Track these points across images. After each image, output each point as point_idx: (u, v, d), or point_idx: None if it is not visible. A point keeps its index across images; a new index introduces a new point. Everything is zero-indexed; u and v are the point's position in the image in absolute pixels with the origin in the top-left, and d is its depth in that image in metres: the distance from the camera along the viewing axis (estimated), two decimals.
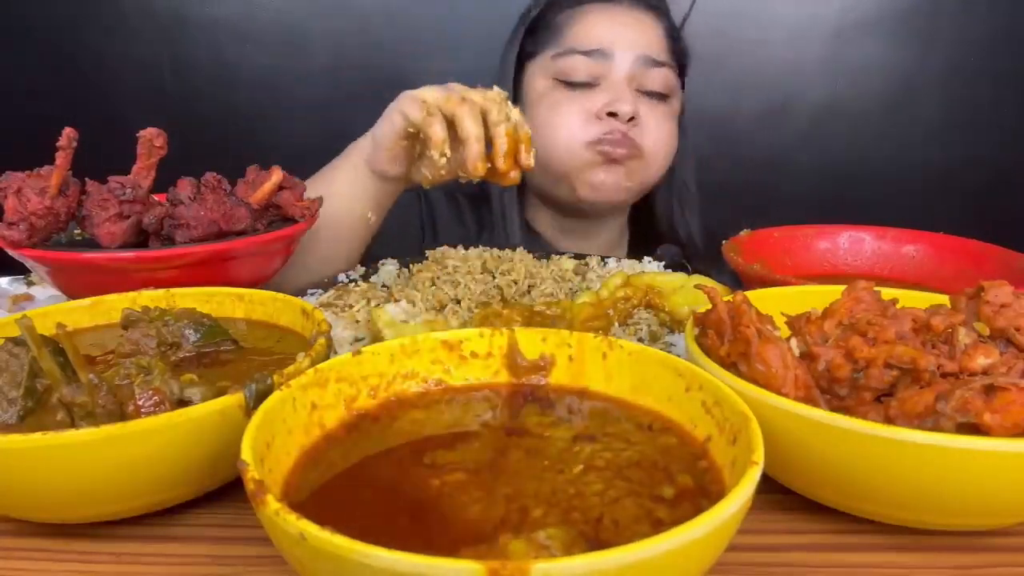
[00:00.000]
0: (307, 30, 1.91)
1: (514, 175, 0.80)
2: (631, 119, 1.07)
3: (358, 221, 0.95)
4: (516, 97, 1.19)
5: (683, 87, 1.21)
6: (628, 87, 1.09)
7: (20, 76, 1.91)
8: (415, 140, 0.88)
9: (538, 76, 1.15)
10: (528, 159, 0.80)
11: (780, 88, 2.01)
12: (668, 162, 1.17)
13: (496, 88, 0.84)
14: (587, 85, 1.10)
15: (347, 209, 0.93)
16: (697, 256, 1.22)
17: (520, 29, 1.19)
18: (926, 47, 1.96)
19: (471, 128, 0.79)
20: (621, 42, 1.09)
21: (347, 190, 0.93)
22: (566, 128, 1.09)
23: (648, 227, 1.30)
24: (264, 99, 1.93)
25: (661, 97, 1.12)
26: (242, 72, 1.93)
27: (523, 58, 1.18)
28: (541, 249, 0.94)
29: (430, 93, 0.82)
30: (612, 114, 1.07)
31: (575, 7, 1.14)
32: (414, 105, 0.82)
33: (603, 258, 0.89)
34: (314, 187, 0.87)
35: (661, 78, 1.11)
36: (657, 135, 1.12)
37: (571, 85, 1.11)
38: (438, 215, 1.24)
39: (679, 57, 1.17)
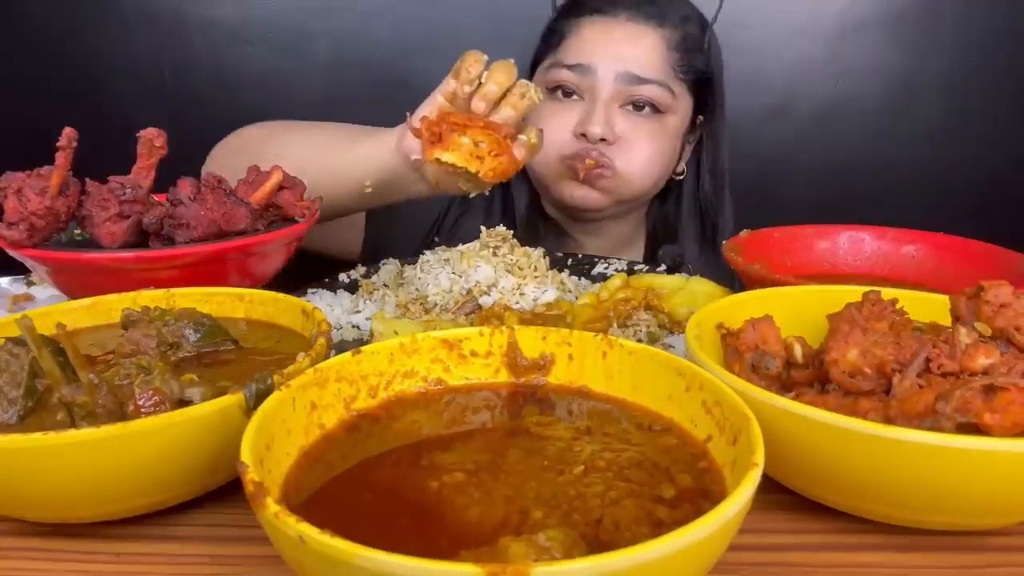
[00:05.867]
0: (307, 30, 1.91)
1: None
2: (602, 139, 1.08)
3: (355, 187, 0.95)
4: None
5: (708, 98, 1.19)
6: (611, 103, 1.09)
7: (20, 76, 1.91)
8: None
9: (537, 84, 1.16)
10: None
11: (781, 89, 2.01)
12: (654, 177, 1.16)
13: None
14: (574, 98, 1.11)
15: (356, 177, 0.94)
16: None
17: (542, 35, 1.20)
18: (927, 48, 1.96)
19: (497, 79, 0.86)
20: (607, 57, 1.09)
21: (365, 154, 0.93)
22: (547, 140, 1.10)
23: (663, 226, 1.29)
24: (264, 99, 1.92)
25: (653, 113, 1.12)
26: (242, 72, 1.93)
27: (535, 64, 1.19)
28: (553, 236, 0.90)
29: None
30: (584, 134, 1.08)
31: (576, 18, 1.14)
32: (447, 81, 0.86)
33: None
34: (332, 141, 0.95)
35: (649, 95, 1.10)
36: (638, 153, 1.11)
37: (559, 97, 1.11)
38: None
39: (694, 69, 1.15)
